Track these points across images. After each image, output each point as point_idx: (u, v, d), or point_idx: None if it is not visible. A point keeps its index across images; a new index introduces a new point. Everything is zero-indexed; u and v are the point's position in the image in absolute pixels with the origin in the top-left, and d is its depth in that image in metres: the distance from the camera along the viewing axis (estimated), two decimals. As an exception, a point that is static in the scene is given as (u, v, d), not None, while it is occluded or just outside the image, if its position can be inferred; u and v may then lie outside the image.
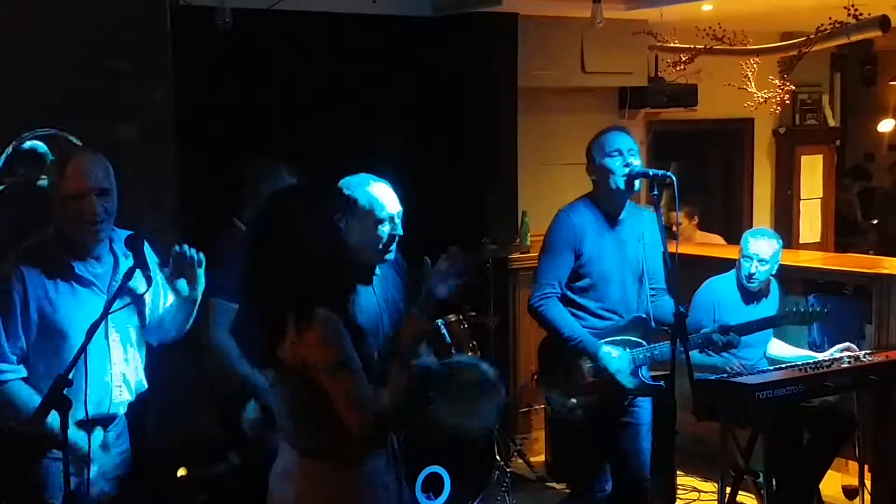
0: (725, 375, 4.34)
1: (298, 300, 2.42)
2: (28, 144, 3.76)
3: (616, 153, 3.82)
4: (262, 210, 2.57)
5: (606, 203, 3.92)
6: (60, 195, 2.96)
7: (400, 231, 3.19)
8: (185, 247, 3.08)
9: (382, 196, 3.15)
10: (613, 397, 3.90)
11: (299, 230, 2.48)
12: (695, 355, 3.98)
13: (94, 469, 2.98)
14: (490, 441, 4.93)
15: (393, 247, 3.20)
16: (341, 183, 3.22)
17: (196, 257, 3.08)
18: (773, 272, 4.71)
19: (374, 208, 3.12)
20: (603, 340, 3.86)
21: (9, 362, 2.92)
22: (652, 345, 3.91)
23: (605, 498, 4.03)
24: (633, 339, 3.92)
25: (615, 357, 3.84)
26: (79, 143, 3.51)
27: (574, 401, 3.88)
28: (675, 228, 4.67)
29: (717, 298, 4.75)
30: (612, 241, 3.92)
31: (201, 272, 3.10)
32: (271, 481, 2.69)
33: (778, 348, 4.89)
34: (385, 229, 3.14)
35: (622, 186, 3.82)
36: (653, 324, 3.93)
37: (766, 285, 4.76)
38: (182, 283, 3.10)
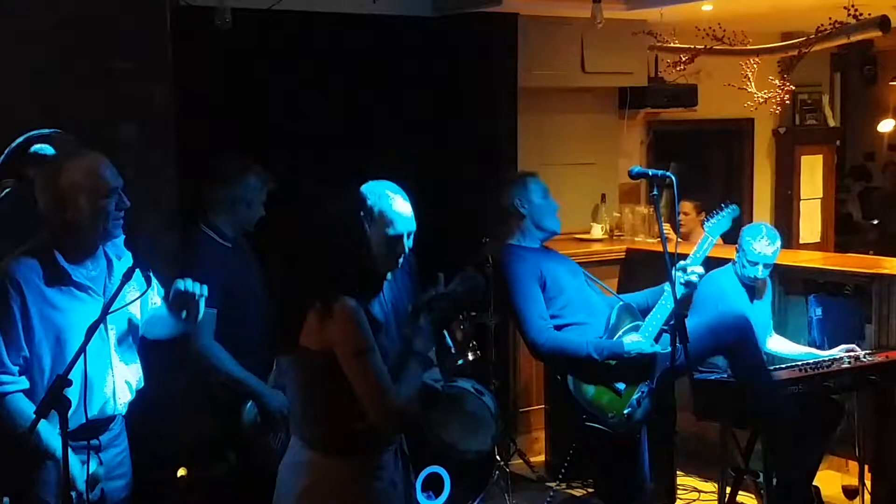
0: (725, 375, 4.34)
1: (323, 289, 2.53)
2: (35, 148, 3.72)
3: (548, 194, 4.53)
4: (290, 204, 2.68)
5: (541, 236, 4.55)
6: (79, 193, 2.88)
7: (410, 245, 3.06)
8: (187, 282, 2.96)
9: (403, 212, 3.00)
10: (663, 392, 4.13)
11: (326, 223, 2.67)
12: None
13: (94, 469, 2.96)
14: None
15: (401, 260, 3.05)
16: (364, 189, 3.14)
17: (198, 291, 2.96)
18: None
19: (396, 223, 2.95)
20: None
21: (10, 373, 2.85)
22: (647, 319, 4.33)
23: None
24: (631, 323, 4.31)
25: (640, 341, 4.17)
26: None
27: (627, 411, 4.23)
28: (666, 229, 4.78)
29: (721, 292, 4.74)
30: (557, 263, 4.52)
31: (202, 303, 2.99)
32: (280, 472, 2.72)
33: (778, 344, 4.88)
34: (400, 247, 2.99)
35: (555, 228, 4.54)
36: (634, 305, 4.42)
37: (763, 281, 4.79)
38: (182, 314, 3.01)
